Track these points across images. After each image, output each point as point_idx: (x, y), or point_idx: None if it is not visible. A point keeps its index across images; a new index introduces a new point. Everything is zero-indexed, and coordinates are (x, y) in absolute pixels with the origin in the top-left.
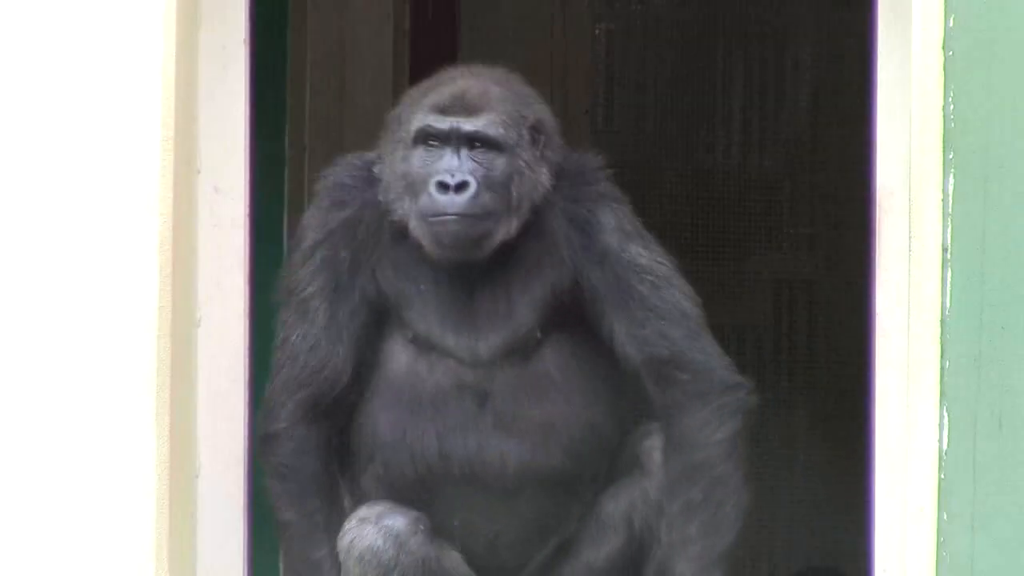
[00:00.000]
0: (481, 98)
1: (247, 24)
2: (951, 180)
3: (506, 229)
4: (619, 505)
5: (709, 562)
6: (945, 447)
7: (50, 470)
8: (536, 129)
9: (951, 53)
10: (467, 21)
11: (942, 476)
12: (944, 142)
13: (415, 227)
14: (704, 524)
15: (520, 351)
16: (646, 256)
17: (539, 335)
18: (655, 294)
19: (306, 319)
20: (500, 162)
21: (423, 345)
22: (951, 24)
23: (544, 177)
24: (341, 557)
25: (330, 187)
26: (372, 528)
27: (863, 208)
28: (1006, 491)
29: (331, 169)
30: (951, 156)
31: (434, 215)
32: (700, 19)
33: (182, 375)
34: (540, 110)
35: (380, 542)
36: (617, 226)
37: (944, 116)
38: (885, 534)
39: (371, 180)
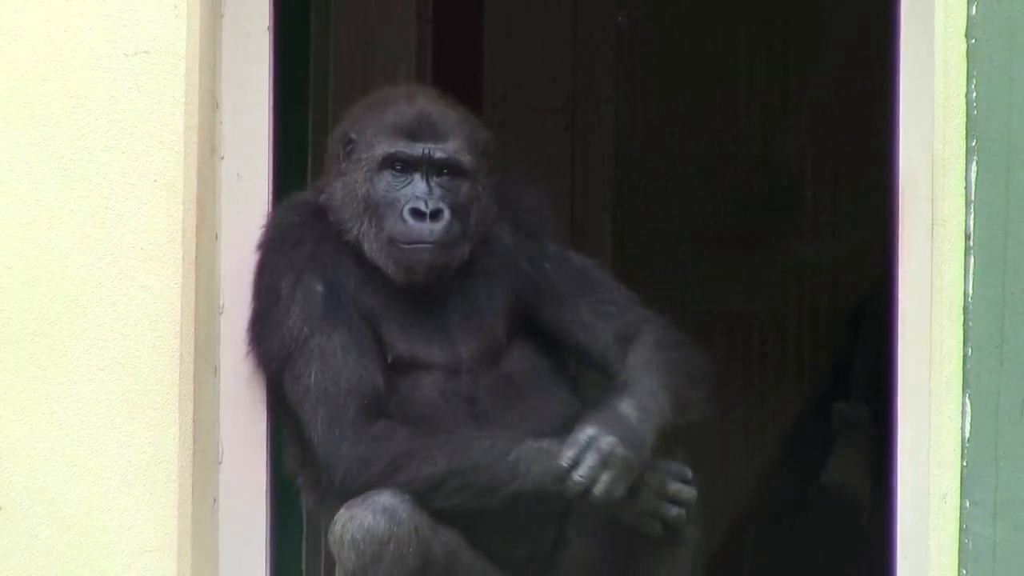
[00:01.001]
0: (445, 122)
1: (271, 11)
2: (974, 167)
3: (462, 253)
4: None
5: (664, 386)
6: (967, 434)
7: (73, 457)
8: (485, 152)
9: (974, 41)
10: (491, 9)
11: (964, 463)
12: (967, 129)
13: (376, 250)
14: (666, 363)
15: (494, 355)
16: (579, 256)
17: (506, 340)
18: (604, 284)
19: (317, 357)
20: (464, 188)
21: (407, 363)
22: (974, 12)
23: (491, 200)
24: (334, 551)
25: (285, 229)
26: (360, 509)
27: (886, 195)
28: None
29: (276, 215)
30: (974, 143)
31: (408, 242)
32: (724, 4)
33: (205, 362)
34: (486, 133)
35: (371, 518)
36: (556, 233)
37: (967, 103)
38: (908, 521)
39: (318, 215)
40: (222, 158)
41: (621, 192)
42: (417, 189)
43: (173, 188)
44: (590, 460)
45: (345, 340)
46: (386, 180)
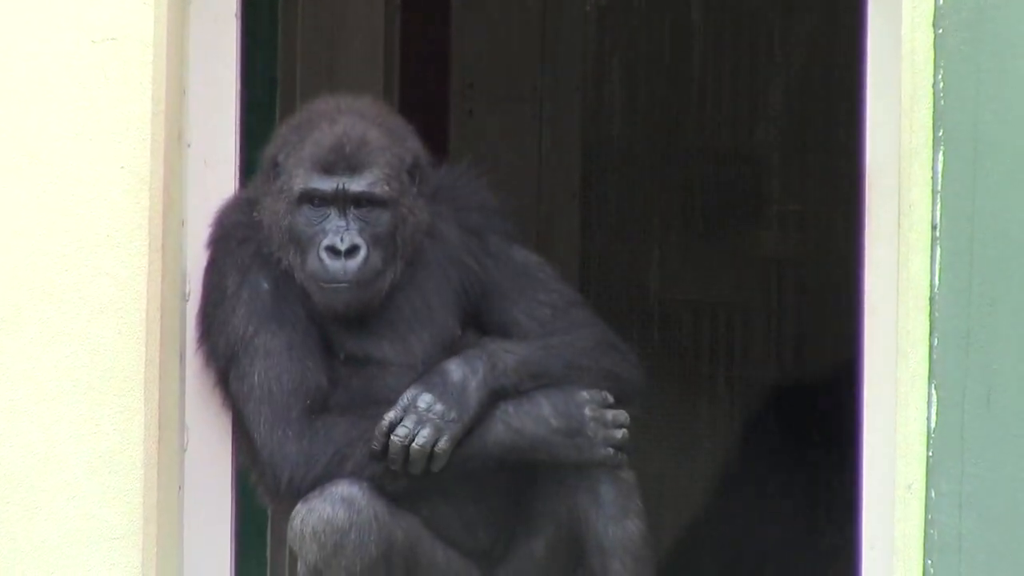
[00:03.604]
0: (362, 149)
1: None
2: (940, 157)
3: (392, 274)
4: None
5: (524, 354)
6: (933, 425)
7: (37, 444)
8: (413, 167)
9: (941, 30)
10: None
11: (930, 454)
12: (934, 119)
13: (304, 282)
14: (560, 345)
15: (447, 348)
16: (525, 253)
17: (459, 332)
18: (545, 284)
19: (262, 356)
20: (385, 217)
21: (360, 360)
22: (941, 1)
23: (423, 213)
24: (295, 547)
25: (230, 227)
26: (318, 501)
27: (853, 186)
28: (994, 469)
29: (222, 212)
30: (941, 133)
31: (325, 281)
32: None
33: (170, 349)
34: (413, 145)
35: (330, 509)
36: (502, 230)
37: (934, 93)
38: (874, 511)
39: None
40: (189, 145)
41: (589, 181)
42: (333, 224)
43: (140, 175)
44: (408, 420)
45: (290, 339)
46: (305, 214)
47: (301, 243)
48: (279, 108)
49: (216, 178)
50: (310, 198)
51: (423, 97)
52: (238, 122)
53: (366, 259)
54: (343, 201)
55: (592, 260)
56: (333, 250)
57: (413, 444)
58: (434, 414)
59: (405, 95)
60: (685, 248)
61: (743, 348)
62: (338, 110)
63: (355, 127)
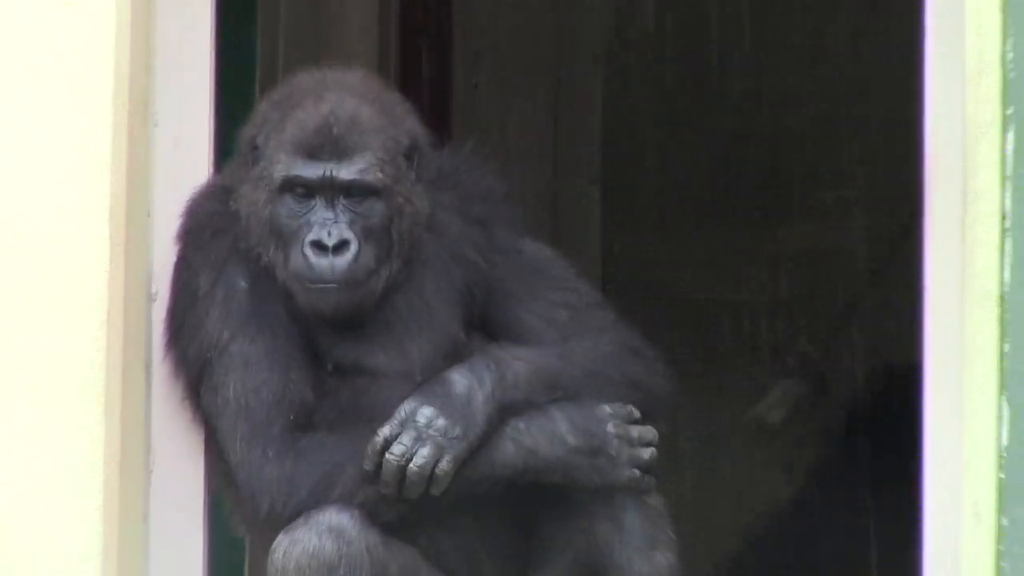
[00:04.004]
0: (352, 130)
1: None
2: (1011, 137)
3: (387, 272)
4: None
5: (539, 364)
6: (1005, 443)
7: None
8: (411, 150)
9: None
10: None
11: (1002, 476)
12: (1003, 93)
13: (287, 281)
14: (578, 352)
15: (450, 355)
16: (537, 247)
17: (464, 337)
18: (561, 281)
19: (238, 365)
20: (378, 208)
21: (350, 370)
22: None
23: (422, 202)
24: None
25: (203, 218)
26: (303, 531)
27: (911, 169)
28: None
29: (193, 201)
30: (1011, 110)
31: (311, 281)
32: None
33: (133, 357)
34: (411, 125)
35: (316, 540)
36: (511, 221)
37: (1003, 64)
38: (938, 541)
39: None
40: (156, 124)
41: (611, 165)
42: (320, 216)
43: (100, 157)
44: (405, 437)
45: (271, 345)
46: (287, 205)
47: (283, 237)
48: (259, 82)
49: (187, 161)
50: (293, 186)
51: (423, 68)
52: (212, 98)
53: (357, 256)
54: (331, 190)
55: (615, 255)
56: (320, 245)
57: (411, 465)
58: (435, 431)
59: (402, 68)
60: (722, 240)
61: (786, 345)
62: (325, 85)
63: (344, 105)
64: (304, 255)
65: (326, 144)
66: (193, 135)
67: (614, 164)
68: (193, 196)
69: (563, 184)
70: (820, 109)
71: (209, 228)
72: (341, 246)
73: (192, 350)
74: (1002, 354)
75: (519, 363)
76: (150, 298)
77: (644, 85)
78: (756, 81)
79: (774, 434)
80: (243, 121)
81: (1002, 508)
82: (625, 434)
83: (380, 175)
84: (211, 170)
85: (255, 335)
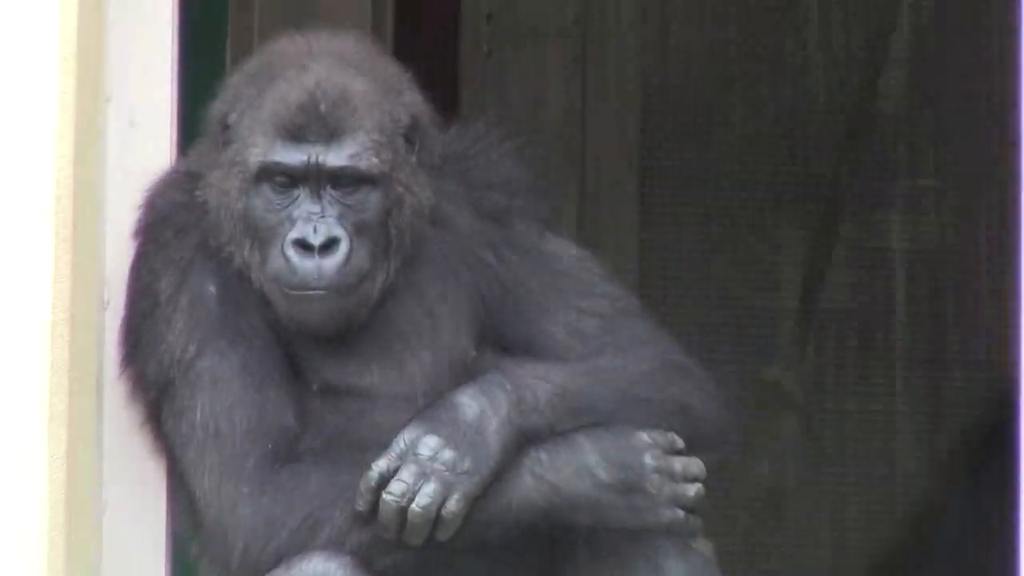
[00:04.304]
0: (342, 106)
1: None
2: None
3: (384, 276)
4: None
5: (565, 384)
6: None
7: None
8: (412, 130)
9: None
10: None
11: None
12: None
13: (265, 286)
14: (609, 370)
15: (458, 373)
16: (562, 244)
17: (474, 351)
18: (591, 286)
19: (207, 385)
20: (373, 199)
21: (340, 391)
22: None
23: (425, 192)
24: None
25: (165, 211)
26: None
27: (1005, 155)
28: None
29: (154, 191)
30: None
31: (293, 287)
32: None
33: (83, 375)
34: (412, 100)
35: None
36: (532, 214)
37: None
38: None
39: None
40: (109, 100)
41: (651, 146)
42: (304, 210)
43: (43, 140)
44: (405, 471)
45: (245, 361)
46: (266, 196)
47: (260, 234)
48: (230, 49)
49: (145, 144)
50: (272, 174)
51: (425, 33)
52: (174, 69)
53: (348, 256)
54: (317, 178)
55: (655, 253)
56: (304, 245)
57: (412, 505)
58: (441, 464)
59: (401, 31)
60: (783, 236)
61: (863, 371)
62: (310, 53)
63: (333, 76)
64: (285, 256)
65: (311, 123)
66: (152, 113)
67: (654, 146)
68: (153, 184)
69: (593, 170)
70: (905, 79)
71: (172, 222)
72: (329, 245)
73: (152, 367)
74: None
75: (540, 383)
76: (102, 305)
77: (688, 52)
78: (827, 45)
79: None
80: (212, 96)
81: None
82: (666, 467)
83: (375, 160)
84: (174, 154)
85: (226, 349)
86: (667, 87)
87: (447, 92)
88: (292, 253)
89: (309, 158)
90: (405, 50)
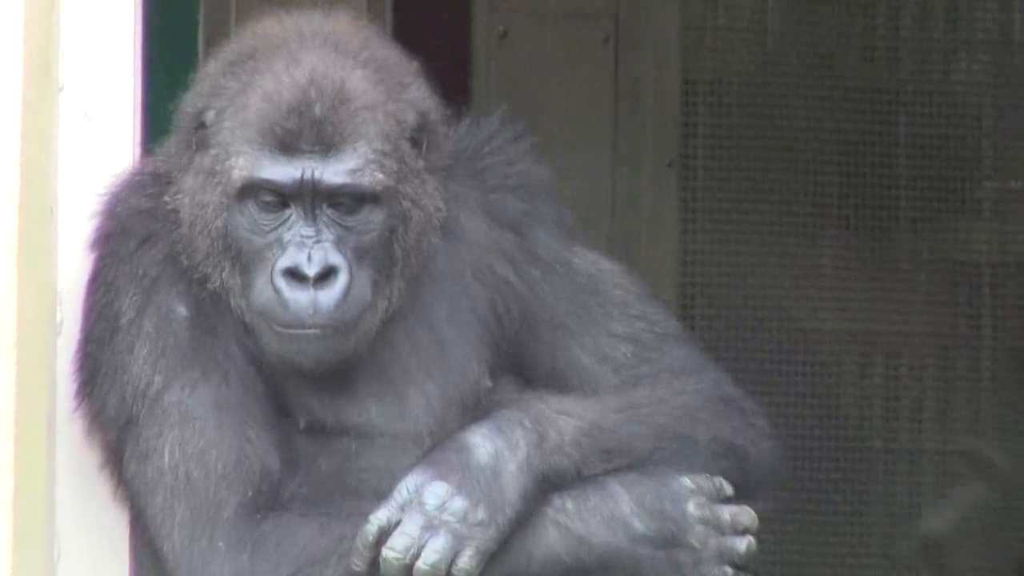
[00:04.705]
0: (341, 108)
1: None
2: None
3: (388, 303)
4: None
5: (594, 421)
6: None
7: None
8: (419, 131)
9: None
10: None
11: None
12: None
13: (248, 319)
14: (648, 403)
15: (470, 408)
16: (591, 258)
17: (489, 383)
18: (625, 307)
19: (176, 422)
20: (377, 217)
21: (331, 429)
22: None
23: (434, 201)
24: None
25: (128, 217)
26: None
27: None
28: None
29: (116, 192)
30: None
31: (285, 325)
32: None
33: (32, 408)
34: (418, 94)
35: None
36: (556, 222)
37: None
38: None
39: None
40: (62, 89)
41: (693, 143)
42: (297, 232)
43: None
44: (410, 523)
45: (220, 395)
46: (251, 215)
47: (244, 258)
48: (203, 32)
49: (103, 140)
50: (259, 191)
51: (429, 11)
52: (138, 55)
53: (348, 288)
54: (312, 196)
55: (699, 267)
56: (296, 275)
57: (418, 563)
58: (451, 515)
59: (401, 8)
60: (844, 247)
61: (940, 406)
62: (300, 39)
63: (329, 69)
64: (275, 287)
65: (305, 131)
66: (111, 104)
67: (697, 141)
68: (113, 188)
69: (627, 169)
70: (990, 65)
71: (135, 232)
72: (326, 275)
73: (113, 400)
74: None
75: (565, 419)
76: (54, 328)
77: (739, 34)
78: (894, 31)
79: (939, 551)
80: (183, 86)
81: None
82: (712, 517)
83: (379, 175)
84: (137, 152)
85: (199, 381)
86: (714, 76)
87: (456, 80)
88: (283, 284)
89: (303, 174)
90: (406, 32)
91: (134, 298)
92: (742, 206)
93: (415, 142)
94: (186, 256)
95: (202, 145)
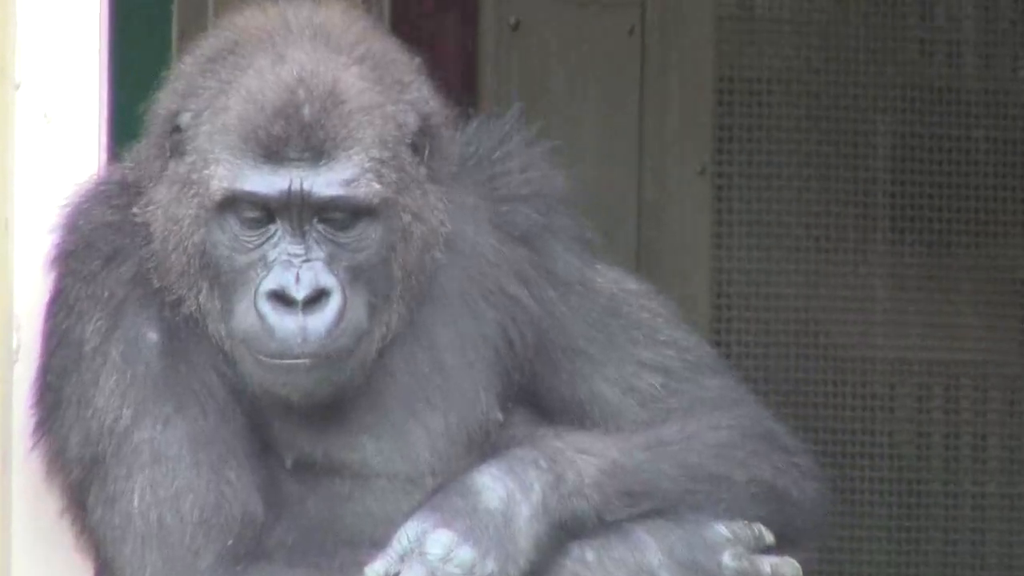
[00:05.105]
0: (333, 111)
1: None
2: None
3: (386, 329)
4: None
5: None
6: None
7: None
8: (421, 136)
9: None
10: None
11: None
12: None
13: (228, 347)
14: (679, 439)
15: (478, 445)
16: (614, 276)
17: (499, 416)
18: (653, 332)
19: (147, 462)
20: (374, 233)
21: (321, 468)
22: None
23: (437, 214)
24: None
25: (93, 232)
26: None
27: None
28: None
29: (79, 203)
30: None
31: (271, 355)
32: None
33: None
34: (419, 94)
35: None
36: (575, 236)
37: None
38: None
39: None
40: (18, 86)
41: (728, 146)
42: (283, 249)
43: None
44: (410, 575)
45: (196, 432)
46: (232, 231)
47: (224, 279)
48: (177, 24)
49: (66, 144)
50: (241, 204)
51: (435, 3)
52: (104, 48)
53: (341, 313)
54: (300, 210)
55: (734, 287)
56: (283, 298)
57: None
58: (456, 567)
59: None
60: (898, 265)
61: (1007, 444)
62: (287, 32)
63: (319, 67)
64: (259, 312)
65: (293, 136)
66: (74, 103)
67: (733, 145)
68: (76, 198)
69: (654, 177)
70: None
71: (99, 249)
72: (316, 298)
73: (76, 438)
74: None
75: (585, 458)
76: (10, 356)
77: (781, 25)
78: (956, 16)
79: None
80: (156, 85)
81: None
82: (751, 570)
83: (376, 186)
84: (103, 158)
85: (172, 415)
86: (752, 71)
87: (463, 76)
88: (268, 309)
89: (290, 185)
90: (406, 23)
91: (99, 322)
92: (783, 218)
93: (416, 148)
94: (158, 276)
95: (177, 151)
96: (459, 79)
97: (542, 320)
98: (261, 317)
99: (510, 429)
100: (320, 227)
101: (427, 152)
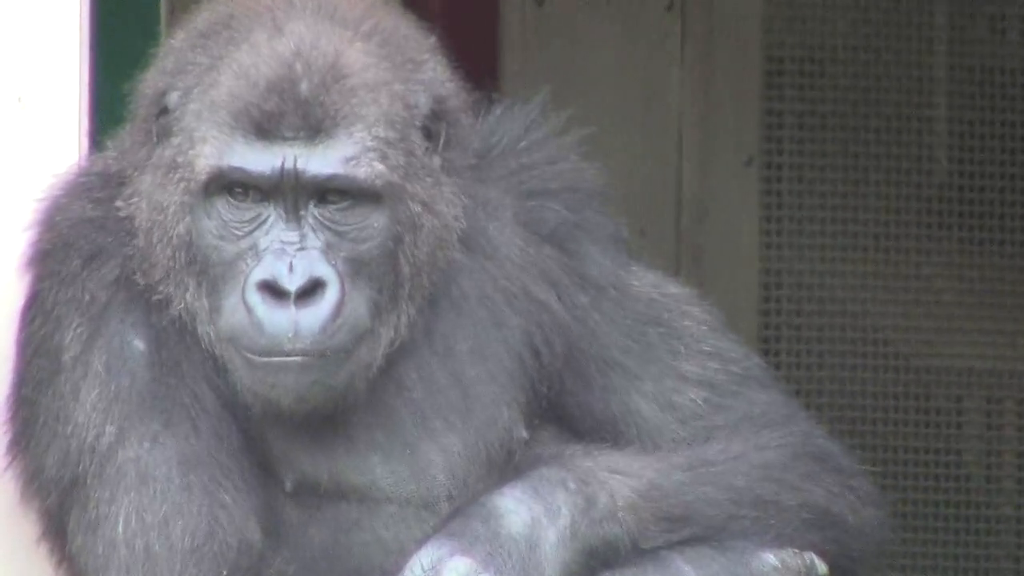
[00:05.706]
0: (333, 86)
1: None
2: None
3: (393, 332)
4: None
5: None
6: None
7: None
8: (434, 119)
9: None
10: None
11: None
12: None
13: (217, 346)
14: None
15: (500, 464)
16: (651, 280)
17: (524, 434)
18: (695, 342)
19: (133, 484)
20: (378, 221)
21: (325, 491)
22: None
23: (453, 208)
24: None
25: (71, 229)
26: None
27: None
28: None
29: (57, 197)
30: None
31: (260, 352)
32: None
33: None
34: (433, 74)
35: None
36: (609, 236)
37: None
38: None
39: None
40: None
41: (775, 136)
42: (276, 237)
43: None
44: None
45: (187, 450)
46: (220, 216)
47: (212, 271)
48: (164, 19)
49: (42, 131)
50: (231, 184)
51: None
52: (85, 25)
53: (338, 307)
54: (294, 192)
55: (784, 291)
56: (274, 289)
57: None
58: None
59: None
60: (964, 265)
61: None
62: (287, 5)
63: (320, 40)
64: (247, 304)
65: (288, 112)
66: (52, 85)
67: (783, 132)
68: (53, 192)
69: (696, 169)
70: None
71: (80, 248)
72: (311, 290)
73: (54, 457)
74: None
75: (619, 479)
76: None
77: (835, 2)
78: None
79: None
80: (142, 65)
81: None
82: None
83: (379, 166)
84: (84, 146)
85: (160, 432)
86: (803, 50)
87: (484, 60)
88: (257, 300)
89: (283, 162)
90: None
91: (79, 329)
92: (837, 214)
93: (429, 133)
94: (143, 275)
95: (164, 134)
96: (480, 61)
97: (572, 328)
98: (249, 310)
99: (535, 447)
100: (317, 212)
101: (442, 139)
